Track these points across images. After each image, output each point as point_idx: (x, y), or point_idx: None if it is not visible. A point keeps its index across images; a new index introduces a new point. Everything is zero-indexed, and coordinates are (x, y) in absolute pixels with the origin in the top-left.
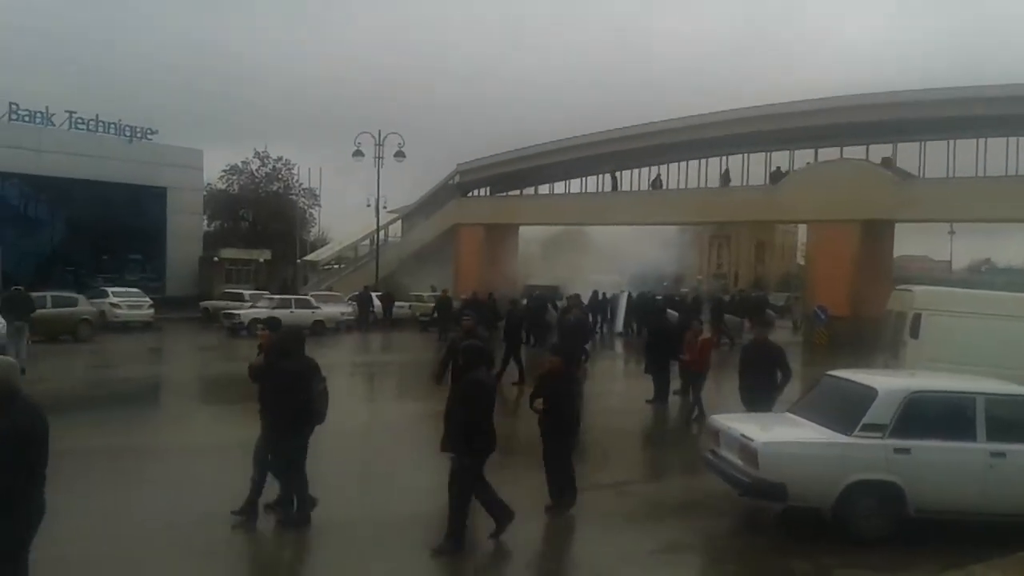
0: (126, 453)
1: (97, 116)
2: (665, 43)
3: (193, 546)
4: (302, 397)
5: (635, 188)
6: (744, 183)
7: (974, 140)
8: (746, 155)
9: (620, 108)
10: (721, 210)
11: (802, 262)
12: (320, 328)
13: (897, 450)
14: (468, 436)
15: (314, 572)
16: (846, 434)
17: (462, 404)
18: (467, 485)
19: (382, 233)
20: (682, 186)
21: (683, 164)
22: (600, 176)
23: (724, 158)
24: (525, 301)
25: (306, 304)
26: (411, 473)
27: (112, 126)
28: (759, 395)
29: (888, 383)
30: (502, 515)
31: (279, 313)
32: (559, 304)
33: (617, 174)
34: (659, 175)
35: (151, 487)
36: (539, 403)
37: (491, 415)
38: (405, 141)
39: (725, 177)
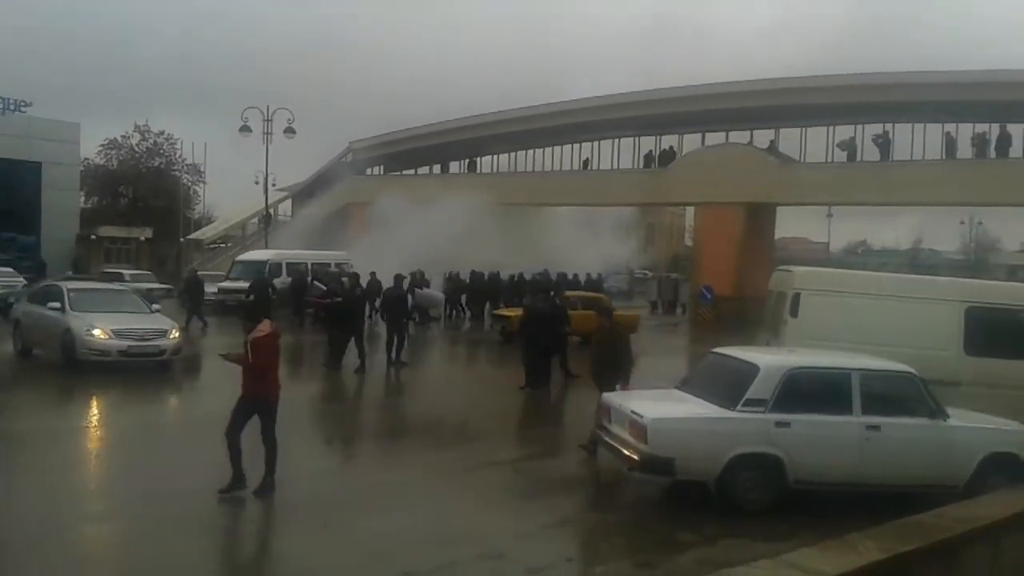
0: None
1: None
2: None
3: None
4: None
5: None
6: (635, 166)
7: (852, 126)
8: (637, 138)
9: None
10: (609, 193)
11: (690, 244)
12: None
13: (778, 424)
14: None
15: None
16: (730, 409)
17: None
18: None
19: (272, 212)
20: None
21: (574, 146)
22: (495, 156)
23: (616, 140)
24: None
25: None
26: None
27: None
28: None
29: (769, 360)
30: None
31: None
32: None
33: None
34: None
35: None
36: None
37: None
38: (295, 117)
39: (665, 155)
